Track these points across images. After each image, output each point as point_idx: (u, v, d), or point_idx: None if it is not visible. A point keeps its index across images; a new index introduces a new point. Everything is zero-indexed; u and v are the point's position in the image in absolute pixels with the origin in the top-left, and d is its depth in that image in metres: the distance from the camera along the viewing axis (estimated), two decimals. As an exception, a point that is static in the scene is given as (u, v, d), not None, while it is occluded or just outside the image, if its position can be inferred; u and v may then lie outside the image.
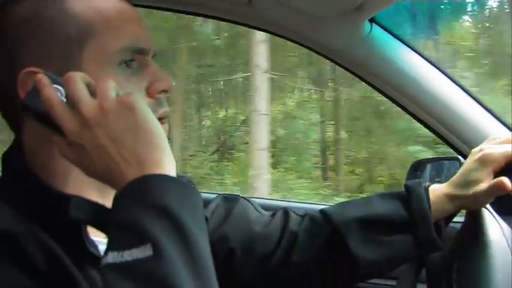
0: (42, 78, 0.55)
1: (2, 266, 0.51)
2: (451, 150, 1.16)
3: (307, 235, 0.87)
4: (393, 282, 1.13)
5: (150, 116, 0.55)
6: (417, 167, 1.17)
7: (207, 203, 0.88)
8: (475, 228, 0.85)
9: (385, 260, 0.84)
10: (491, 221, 0.87)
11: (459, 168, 1.06)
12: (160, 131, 0.55)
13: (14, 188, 0.63)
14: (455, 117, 1.10)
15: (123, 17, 0.65)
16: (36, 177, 0.62)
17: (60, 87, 0.55)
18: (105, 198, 0.65)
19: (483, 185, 0.82)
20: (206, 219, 0.88)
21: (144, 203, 0.49)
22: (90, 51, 0.62)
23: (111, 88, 0.55)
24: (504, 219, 0.90)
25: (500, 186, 0.80)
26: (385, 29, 1.10)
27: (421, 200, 0.83)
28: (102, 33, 0.62)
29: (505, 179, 0.80)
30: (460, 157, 1.11)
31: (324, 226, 0.87)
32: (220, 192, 1.03)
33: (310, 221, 0.89)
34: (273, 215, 0.92)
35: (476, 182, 0.83)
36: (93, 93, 0.55)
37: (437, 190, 0.86)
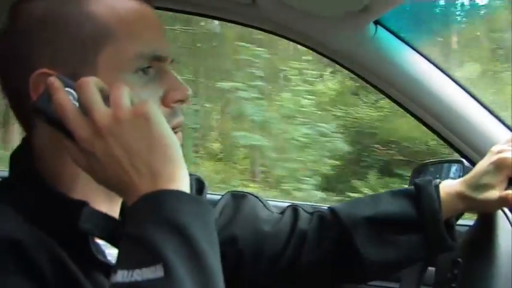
0: (55, 81, 0.54)
1: (8, 273, 0.50)
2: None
3: (316, 234, 0.86)
4: (396, 285, 1.13)
5: (165, 126, 0.54)
6: (421, 170, 1.17)
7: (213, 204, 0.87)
8: (485, 230, 0.85)
9: (393, 260, 0.83)
10: (505, 224, 0.86)
11: (463, 171, 1.06)
12: (175, 142, 0.54)
13: (21, 191, 0.61)
14: (460, 120, 1.10)
15: (143, 22, 0.63)
16: (44, 181, 0.61)
17: (72, 91, 0.54)
18: (113, 204, 0.65)
19: (494, 192, 0.81)
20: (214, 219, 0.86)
21: (158, 219, 0.48)
22: (107, 56, 0.60)
23: (126, 96, 0.54)
24: None
25: (508, 200, 0.80)
26: (390, 31, 1.10)
27: (432, 199, 0.81)
28: (120, 38, 0.60)
29: None
30: (463, 160, 1.11)
31: (333, 225, 0.86)
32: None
33: (319, 220, 0.87)
34: (282, 212, 0.90)
35: (488, 186, 0.82)
36: (106, 99, 0.54)
37: (448, 187, 0.84)
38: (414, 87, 1.10)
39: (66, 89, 0.54)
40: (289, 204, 0.93)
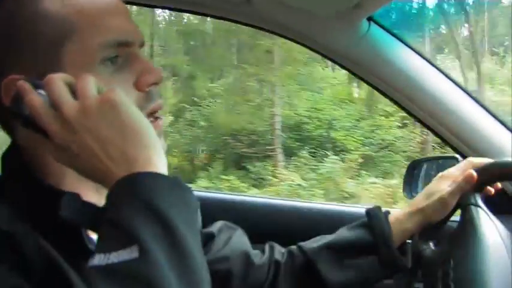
0: (24, 84, 0.54)
1: (2, 261, 0.51)
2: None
3: (287, 267, 0.94)
4: (389, 281, 1.13)
5: (134, 111, 0.53)
6: (415, 166, 1.17)
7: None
8: (469, 226, 0.86)
9: (354, 281, 0.90)
10: (486, 219, 0.87)
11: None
12: (146, 126, 0.54)
13: (12, 187, 0.62)
14: (454, 116, 1.10)
15: (103, 11, 0.62)
16: (33, 176, 0.62)
17: (42, 92, 0.54)
18: (102, 195, 0.64)
19: (447, 189, 0.88)
20: (213, 236, 0.92)
21: (134, 201, 0.48)
22: (70, 51, 0.59)
23: (91, 85, 0.54)
24: (499, 218, 0.90)
25: (468, 178, 0.85)
26: (383, 28, 1.11)
27: (381, 224, 0.89)
28: (81, 31, 0.60)
29: (473, 171, 0.86)
30: (457, 156, 1.11)
31: (299, 256, 0.94)
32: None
33: (288, 254, 0.95)
34: (262, 250, 0.98)
35: (438, 191, 0.89)
36: (76, 93, 0.54)
37: (397, 212, 0.92)
38: (408, 83, 1.11)
39: (38, 90, 0.54)
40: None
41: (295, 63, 9.33)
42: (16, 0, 0.61)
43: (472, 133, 1.09)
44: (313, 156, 7.94)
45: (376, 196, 6.48)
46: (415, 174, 1.16)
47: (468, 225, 0.86)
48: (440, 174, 0.92)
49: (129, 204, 0.48)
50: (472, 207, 0.86)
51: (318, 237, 0.97)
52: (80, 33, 0.60)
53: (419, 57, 1.11)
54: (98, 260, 0.46)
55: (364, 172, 7.37)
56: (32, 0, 0.61)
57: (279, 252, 0.96)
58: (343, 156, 7.70)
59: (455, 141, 1.11)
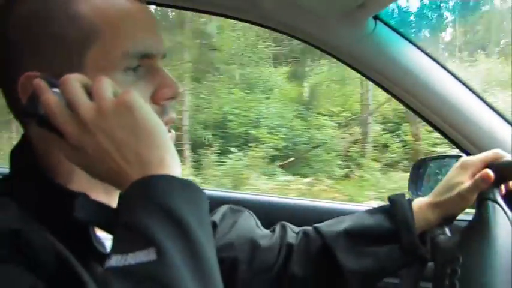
0: (40, 82, 0.54)
1: (10, 263, 0.51)
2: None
3: (301, 248, 0.91)
4: (396, 280, 1.13)
5: (149, 113, 0.54)
6: (420, 165, 1.17)
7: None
8: (483, 224, 0.85)
9: (372, 270, 0.87)
10: (502, 217, 0.86)
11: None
12: (161, 128, 0.54)
13: (22, 185, 0.62)
14: (460, 115, 1.10)
15: (130, 20, 0.62)
16: (43, 175, 0.62)
17: (58, 90, 0.54)
18: (112, 196, 0.65)
19: (466, 184, 0.86)
20: (215, 225, 0.91)
21: (149, 204, 0.49)
22: (93, 56, 0.60)
23: (108, 87, 0.54)
24: None
25: (484, 177, 0.84)
26: (389, 26, 1.11)
27: (405, 211, 0.87)
28: (106, 38, 0.60)
29: (489, 171, 0.84)
30: (463, 155, 1.10)
31: (316, 239, 0.91)
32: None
33: (304, 236, 0.92)
34: (272, 230, 0.96)
35: (458, 184, 0.87)
36: (91, 94, 0.54)
37: (419, 201, 0.90)
38: (414, 81, 1.11)
39: (54, 89, 0.54)
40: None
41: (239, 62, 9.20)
42: None
43: (478, 131, 1.09)
44: (219, 153, 7.75)
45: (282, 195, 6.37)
46: (420, 173, 1.16)
47: (482, 222, 0.84)
48: (461, 160, 0.90)
49: (144, 207, 0.48)
50: (490, 202, 0.84)
51: (334, 220, 0.95)
52: (105, 40, 0.60)
53: (425, 56, 1.11)
54: (115, 261, 0.46)
55: (280, 170, 7.22)
56: (62, 0, 0.60)
57: (292, 232, 0.94)
58: (247, 152, 7.47)
59: (461, 139, 1.10)
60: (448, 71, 1.12)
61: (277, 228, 0.95)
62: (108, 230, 0.56)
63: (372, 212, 0.91)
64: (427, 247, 0.87)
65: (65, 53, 0.59)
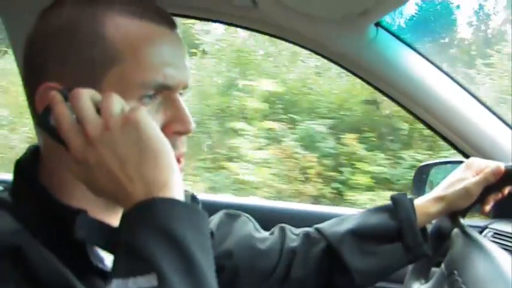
0: (56, 95, 0.54)
1: (8, 279, 0.51)
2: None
3: (304, 251, 0.90)
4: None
5: (156, 132, 0.53)
6: (423, 171, 1.18)
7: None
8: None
9: (377, 268, 0.88)
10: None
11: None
12: (167, 148, 0.53)
13: (23, 199, 0.61)
14: (462, 121, 1.11)
15: (156, 50, 0.61)
16: (45, 190, 0.61)
17: None
18: (113, 214, 0.64)
19: (471, 179, 0.89)
20: (212, 233, 0.89)
21: (151, 227, 0.48)
22: (112, 78, 0.59)
23: (117, 104, 0.54)
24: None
25: (495, 171, 0.88)
26: (391, 33, 1.11)
27: (407, 209, 0.89)
28: (127, 63, 0.59)
29: (501, 164, 0.88)
30: (465, 160, 1.11)
31: (319, 241, 0.90)
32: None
33: (305, 238, 0.92)
34: (272, 233, 0.94)
35: (463, 179, 0.90)
36: (100, 110, 0.54)
37: (419, 199, 0.92)
38: (416, 88, 1.11)
39: (68, 103, 0.54)
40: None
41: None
42: (80, 10, 0.60)
43: (480, 137, 1.09)
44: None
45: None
46: (423, 179, 1.16)
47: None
48: (466, 162, 0.93)
49: (147, 230, 0.48)
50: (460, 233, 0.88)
51: (335, 220, 0.94)
52: (126, 65, 0.59)
53: (427, 62, 1.11)
54: (116, 285, 0.46)
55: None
56: (97, 17, 0.60)
57: (292, 235, 0.93)
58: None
59: (464, 145, 1.11)
60: (449, 76, 1.12)
61: (276, 230, 0.94)
62: (108, 250, 0.55)
63: (375, 211, 0.92)
64: (429, 243, 0.89)
65: (85, 71, 0.59)
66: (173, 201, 0.51)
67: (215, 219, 0.94)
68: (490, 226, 1.09)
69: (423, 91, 1.11)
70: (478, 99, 1.12)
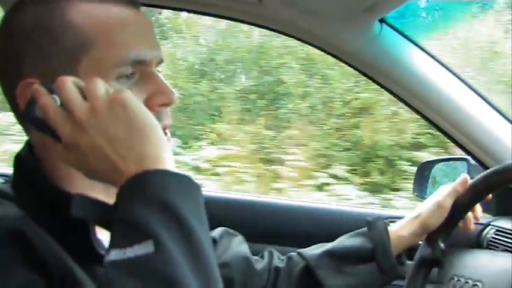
0: (39, 88, 0.55)
1: (12, 263, 0.52)
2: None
3: (287, 271, 0.97)
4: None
5: (143, 110, 0.54)
6: (425, 168, 1.18)
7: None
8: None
9: (353, 286, 0.94)
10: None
11: (467, 168, 1.06)
12: (154, 124, 0.54)
13: (24, 189, 0.63)
14: (466, 118, 1.11)
15: (125, 28, 0.63)
16: (44, 179, 0.63)
17: (56, 97, 0.55)
18: (111, 197, 0.65)
19: (442, 193, 0.93)
20: (215, 241, 0.95)
21: (145, 198, 0.49)
22: (87, 64, 0.61)
23: (100, 86, 0.55)
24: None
25: (462, 181, 0.91)
26: (395, 29, 1.11)
27: (381, 232, 0.94)
28: (99, 46, 0.61)
29: (466, 175, 0.91)
30: (468, 157, 1.11)
31: (299, 262, 0.97)
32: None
33: (288, 260, 0.99)
34: (262, 256, 1.01)
35: (436, 196, 0.94)
36: (85, 95, 0.55)
37: (397, 223, 0.97)
38: (419, 85, 1.11)
39: (52, 95, 0.55)
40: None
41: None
42: (44, 7, 0.62)
43: (483, 134, 1.09)
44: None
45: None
46: (425, 176, 1.16)
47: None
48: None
49: (141, 201, 0.49)
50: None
51: (318, 245, 1.00)
52: (98, 48, 0.61)
53: (431, 59, 1.11)
54: (114, 255, 0.47)
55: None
56: (59, 9, 0.61)
57: (278, 258, 1.00)
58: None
59: (467, 142, 1.11)
60: (453, 73, 1.12)
61: (266, 254, 1.00)
62: (105, 227, 0.55)
63: (352, 235, 0.98)
64: (404, 267, 0.95)
65: (61, 61, 0.61)
66: (166, 172, 0.52)
67: (215, 233, 0.98)
68: (492, 223, 1.09)
69: (426, 87, 1.11)
70: (481, 96, 1.12)
